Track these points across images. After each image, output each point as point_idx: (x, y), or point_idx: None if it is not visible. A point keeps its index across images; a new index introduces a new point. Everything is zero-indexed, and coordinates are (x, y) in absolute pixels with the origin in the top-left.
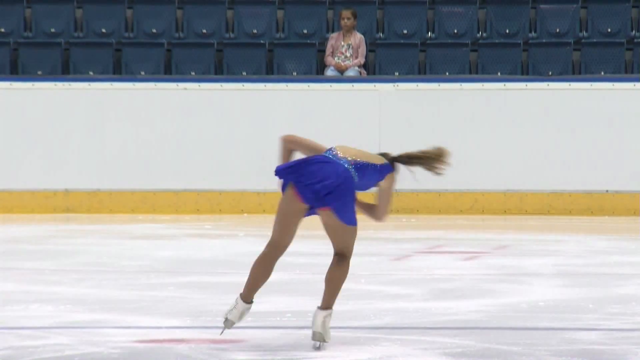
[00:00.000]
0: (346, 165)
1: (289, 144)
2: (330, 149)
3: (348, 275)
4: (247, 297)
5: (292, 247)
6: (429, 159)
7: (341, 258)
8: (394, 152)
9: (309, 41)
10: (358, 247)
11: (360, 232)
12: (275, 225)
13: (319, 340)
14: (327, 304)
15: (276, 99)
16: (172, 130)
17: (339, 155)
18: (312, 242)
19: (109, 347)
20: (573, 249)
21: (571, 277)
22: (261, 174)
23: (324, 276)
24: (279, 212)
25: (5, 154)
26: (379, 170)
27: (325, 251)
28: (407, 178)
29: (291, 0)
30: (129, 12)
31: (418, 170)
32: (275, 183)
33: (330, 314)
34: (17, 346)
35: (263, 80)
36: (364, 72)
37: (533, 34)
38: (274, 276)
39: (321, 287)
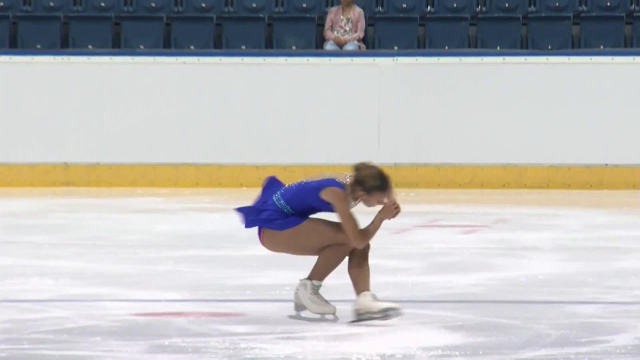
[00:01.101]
0: (273, 198)
1: (366, 240)
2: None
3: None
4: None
5: None
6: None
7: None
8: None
9: (308, 15)
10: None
11: (358, 206)
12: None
13: (298, 309)
14: (311, 274)
15: (275, 73)
16: (171, 104)
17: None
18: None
19: (108, 320)
20: (572, 223)
21: (570, 251)
22: (260, 147)
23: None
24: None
25: (4, 128)
26: (316, 187)
27: None
28: (406, 152)
29: None
30: None
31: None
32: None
33: (305, 284)
34: (17, 319)
35: (262, 54)
36: (363, 46)
37: (532, 8)
38: None
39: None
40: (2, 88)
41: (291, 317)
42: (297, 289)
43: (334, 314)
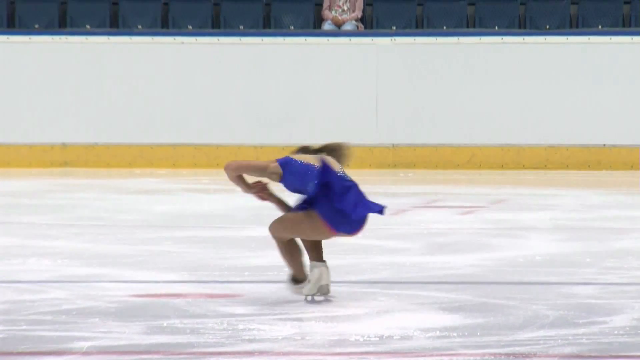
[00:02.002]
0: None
1: (234, 171)
2: (326, 165)
3: None
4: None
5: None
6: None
7: None
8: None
9: None
10: None
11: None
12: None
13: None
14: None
15: (273, 53)
16: (169, 84)
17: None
18: None
19: (106, 301)
20: (570, 203)
21: (568, 231)
22: (258, 127)
23: None
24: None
25: (2, 107)
26: None
27: None
28: (404, 132)
29: None
30: None
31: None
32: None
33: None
34: (14, 300)
35: (260, 34)
36: (361, 26)
37: None
38: None
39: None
40: (0, 68)
41: (289, 298)
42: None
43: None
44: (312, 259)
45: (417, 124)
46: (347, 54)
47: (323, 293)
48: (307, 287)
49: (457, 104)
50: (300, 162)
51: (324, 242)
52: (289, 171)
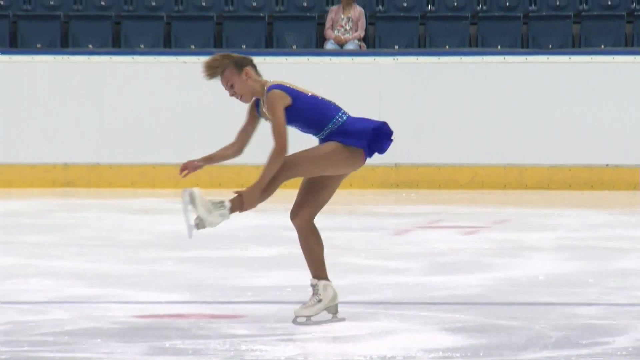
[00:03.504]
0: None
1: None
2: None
3: (344, 249)
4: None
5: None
6: None
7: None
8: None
9: (308, 14)
10: (358, 222)
11: (359, 207)
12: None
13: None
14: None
15: (275, 72)
16: (172, 104)
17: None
18: None
19: (108, 322)
20: (573, 223)
21: (571, 251)
22: (261, 147)
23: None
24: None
25: (4, 127)
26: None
27: (326, 225)
28: (406, 151)
29: None
30: None
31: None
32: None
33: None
34: (16, 321)
35: (262, 53)
36: (363, 45)
37: (533, 7)
38: (273, 250)
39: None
40: (2, 87)
41: (292, 318)
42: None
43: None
44: (322, 276)
45: (420, 143)
46: (350, 73)
47: (332, 313)
48: (317, 307)
49: (459, 123)
50: (306, 94)
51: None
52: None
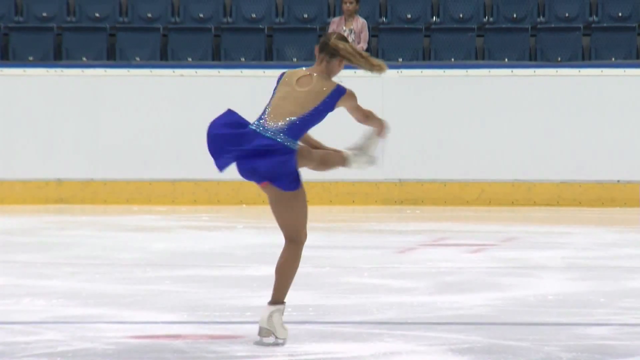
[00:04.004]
0: (274, 136)
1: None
2: (260, 117)
3: (346, 268)
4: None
5: None
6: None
7: (287, 242)
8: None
9: (309, 26)
10: (361, 240)
11: (362, 224)
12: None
13: (265, 335)
14: (275, 297)
15: (274, 85)
16: (169, 118)
17: (267, 123)
18: (311, 234)
19: (103, 343)
20: (583, 241)
21: (581, 270)
22: None
23: (324, 270)
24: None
25: None
26: (327, 105)
27: (328, 243)
28: (411, 167)
29: None
30: None
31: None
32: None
33: (279, 309)
34: (8, 342)
35: (262, 66)
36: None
37: (541, 19)
38: (272, 269)
39: (323, 280)
40: None
41: (292, 339)
42: (270, 315)
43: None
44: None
45: (424, 158)
46: (352, 86)
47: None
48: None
49: (465, 138)
50: None
51: (323, 282)
52: None
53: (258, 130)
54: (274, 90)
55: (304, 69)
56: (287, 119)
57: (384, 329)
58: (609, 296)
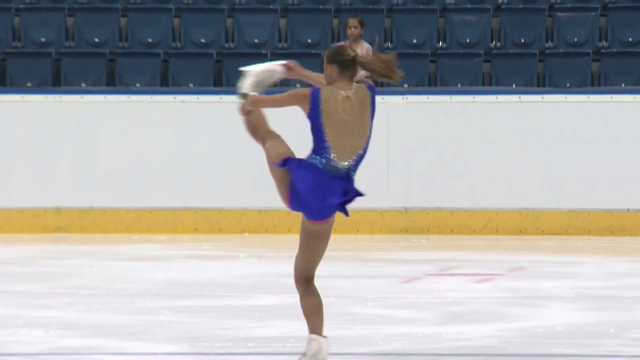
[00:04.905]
0: (351, 176)
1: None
2: (320, 153)
3: (351, 298)
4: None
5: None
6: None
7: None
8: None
9: (313, 51)
10: (366, 269)
11: (367, 253)
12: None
13: None
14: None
15: (280, 109)
16: (169, 145)
17: (340, 164)
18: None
19: None
20: (592, 271)
21: (590, 300)
22: (263, 190)
23: (329, 299)
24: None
25: None
26: (374, 107)
27: (332, 273)
28: (417, 195)
29: (295, 8)
30: (123, 21)
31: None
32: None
33: (309, 339)
34: None
35: (265, 92)
36: (371, 83)
37: (550, 44)
38: (275, 299)
39: (327, 311)
40: None
41: None
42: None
43: None
44: (311, 330)
45: (430, 186)
46: None
47: None
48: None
49: (472, 165)
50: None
51: (327, 312)
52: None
53: (339, 175)
54: (317, 112)
55: (330, 88)
56: (354, 156)
57: None
58: (618, 327)
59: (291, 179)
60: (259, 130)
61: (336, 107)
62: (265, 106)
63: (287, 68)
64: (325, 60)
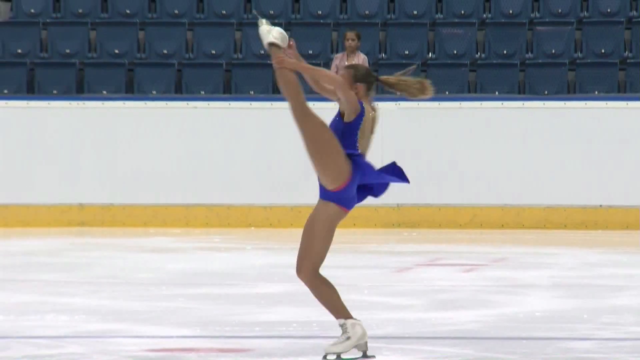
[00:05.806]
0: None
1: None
2: (354, 148)
3: (348, 286)
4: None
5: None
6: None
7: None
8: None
9: (314, 61)
10: (361, 260)
11: (362, 246)
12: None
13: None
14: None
15: (282, 116)
16: (182, 147)
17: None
18: None
19: (121, 355)
20: (568, 262)
21: (566, 288)
22: (268, 189)
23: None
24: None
25: (22, 169)
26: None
27: (330, 263)
28: (408, 192)
29: (297, 22)
30: (141, 34)
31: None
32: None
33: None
34: (33, 355)
35: (270, 99)
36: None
37: (530, 55)
38: (280, 287)
39: None
40: (20, 132)
41: (299, 352)
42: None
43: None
44: (345, 316)
45: (421, 185)
46: None
47: (362, 350)
48: (346, 344)
49: (459, 166)
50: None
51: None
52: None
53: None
54: (357, 124)
55: (366, 106)
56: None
57: (383, 343)
58: (592, 313)
59: (352, 171)
60: (291, 86)
61: (368, 125)
62: (314, 76)
63: (289, 45)
64: (352, 79)
